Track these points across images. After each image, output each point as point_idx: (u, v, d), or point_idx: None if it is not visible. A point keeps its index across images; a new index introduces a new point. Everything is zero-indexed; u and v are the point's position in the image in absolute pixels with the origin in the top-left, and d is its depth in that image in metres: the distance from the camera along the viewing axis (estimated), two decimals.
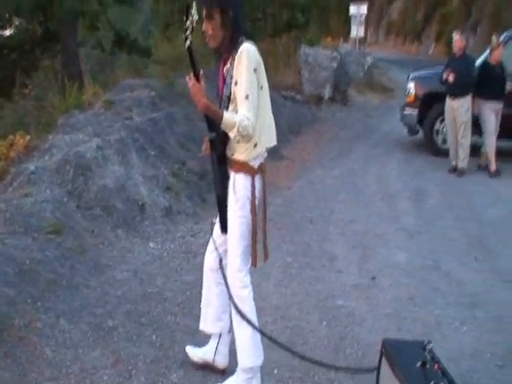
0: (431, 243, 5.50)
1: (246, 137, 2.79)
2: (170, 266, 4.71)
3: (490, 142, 8.16)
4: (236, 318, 3.01)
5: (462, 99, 7.97)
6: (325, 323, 3.96)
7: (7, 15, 10.72)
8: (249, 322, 2.97)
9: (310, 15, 19.97)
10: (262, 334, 3.10)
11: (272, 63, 14.06)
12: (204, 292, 3.24)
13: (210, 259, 3.18)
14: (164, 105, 7.75)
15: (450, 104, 8.12)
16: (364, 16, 22.39)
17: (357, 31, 22.00)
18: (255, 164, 2.93)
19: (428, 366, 2.41)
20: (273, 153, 8.48)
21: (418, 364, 2.42)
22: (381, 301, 4.31)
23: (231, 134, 2.78)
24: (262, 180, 3.02)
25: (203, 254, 3.27)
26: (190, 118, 7.89)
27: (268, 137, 2.97)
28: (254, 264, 3.03)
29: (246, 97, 2.76)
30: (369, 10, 23.17)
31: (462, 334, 3.87)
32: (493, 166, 8.17)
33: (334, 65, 13.97)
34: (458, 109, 8.02)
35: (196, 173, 6.71)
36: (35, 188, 5.04)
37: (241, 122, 2.72)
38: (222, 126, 2.78)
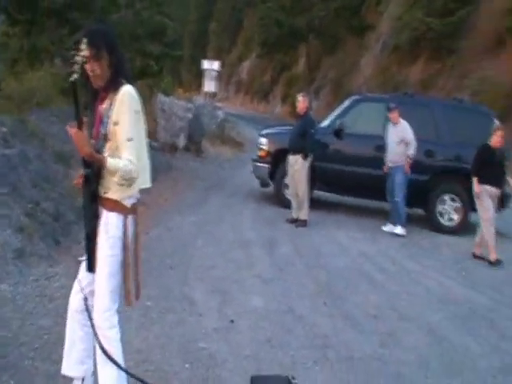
0: (284, 289, 5.78)
1: (129, 180, 2.83)
2: (24, 309, 4.48)
3: (487, 230, 7.70)
4: (101, 359, 2.95)
5: (297, 155, 8.59)
6: (187, 366, 4.00)
7: None
8: (115, 363, 2.93)
9: (163, 64, 20.34)
10: (129, 374, 3.07)
11: None
12: (68, 335, 3.14)
13: (75, 301, 3.10)
14: (16, 142, 7.42)
15: (289, 159, 8.73)
16: (216, 72, 23.27)
17: (209, 86, 22.76)
18: (128, 203, 2.96)
19: None
20: None
21: None
22: (240, 343, 4.45)
23: (115, 179, 2.81)
24: (135, 220, 3.05)
25: (59, 297, 3.22)
26: (44, 158, 7.64)
27: (144, 178, 3.02)
28: (128, 303, 3.03)
29: (129, 139, 2.82)
30: (220, 66, 24.08)
31: (315, 373, 4.10)
32: (493, 255, 7.66)
33: (189, 115, 14.32)
34: (294, 164, 8.66)
35: (50, 214, 6.48)
36: None
37: (124, 168, 2.77)
38: (107, 172, 2.80)
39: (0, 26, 14.37)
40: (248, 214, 9.21)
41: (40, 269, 5.37)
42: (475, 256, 7.91)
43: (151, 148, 10.80)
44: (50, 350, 3.83)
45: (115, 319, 3.01)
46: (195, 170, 12.79)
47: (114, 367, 2.95)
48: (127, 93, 2.86)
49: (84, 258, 3.05)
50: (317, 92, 32.32)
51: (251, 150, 12.95)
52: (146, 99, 14.93)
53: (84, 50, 2.74)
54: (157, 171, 10.87)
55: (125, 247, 2.96)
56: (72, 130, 2.76)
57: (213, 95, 24.76)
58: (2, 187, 6.11)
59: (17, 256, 5.36)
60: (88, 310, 3.01)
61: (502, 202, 8.42)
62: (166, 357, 4.09)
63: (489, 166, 7.66)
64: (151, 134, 13.19)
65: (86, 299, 3.03)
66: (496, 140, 7.73)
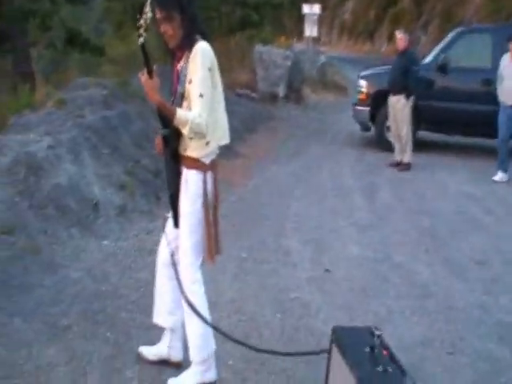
0: (383, 236, 5.62)
1: (198, 134, 2.83)
2: (123, 263, 4.69)
3: None
4: (187, 312, 3.03)
5: (398, 95, 8.20)
6: (279, 315, 4.01)
7: None
8: (200, 316, 2.99)
9: (263, 14, 20.13)
10: (215, 328, 3.11)
11: (226, 62, 14.09)
12: (157, 286, 3.26)
13: (162, 254, 3.20)
14: (117, 103, 7.69)
15: (390, 100, 8.37)
16: (317, 16, 22.63)
17: (310, 31, 22.21)
18: (207, 160, 2.97)
19: (376, 350, 2.48)
20: (228, 151, 8.56)
21: (367, 349, 2.48)
22: (334, 293, 4.39)
23: (184, 131, 2.81)
24: (214, 176, 3.06)
25: (157, 251, 3.28)
26: (145, 117, 7.85)
27: (221, 135, 3.01)
28: (209, 257, 3.06)
29: (200, 95, 2.80)
30: (321, 10, 23.39)
31: (412, 323, 3.97)
32: None
33: (288, 63, 14.09)
34: (395, 105, 8.28)
35: (150, 171, 6.69)
36: None
37: (193, 120, 2.76)
38: (175, 123, 2.80)
39: None
40: (348, 160, 9.00)
41: (141, 224, 5.58)
42: None
43: (251, 99, 10.85)
44: (146, 301, 3.95)
45: (199, 274, 3.07)
46: (295, 118, 12.65)
47: (200, 320, 3.01)
48: (200, 49, 2.83)
49: (169, 214, 3.12)
50: (425, 26, 30.68)
51: (354, 94, 12.57)
52: (245, 51, 14.92)
53: (148, 13, 2.71)
54: (256, 122, 10.92)
55: (204, 203, 2.98)
56: (142, 77, 2.79)
57: (315, 40, 24.25)
58: (103, 148, 6.38)
59: (118, 213, 5.61)
60: (174, 265, 3.08)
61: None
62: (259, 307, 4.12)
63: None
64: (250, 86, 13.20)
65: (172, 254, 3.10)
66: None
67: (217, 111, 2.94)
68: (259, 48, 14.10)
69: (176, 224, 3.07)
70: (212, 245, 3.05)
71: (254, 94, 12.79)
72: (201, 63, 2.81)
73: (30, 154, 5.50)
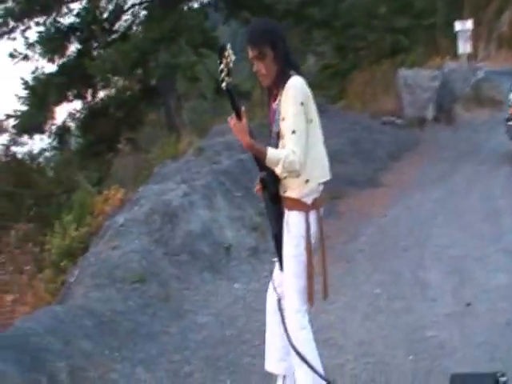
0: None
1: (292, 172, 2.69)
2: (252, 306, 4.65)
3: None
4: (296, 359, 2.88)
5: None
6: (411, 357, 3.69)
7: (106, 75, 11.35)
8: (308, 364, 2.83)
9: (414, 37, 19.56)
10: (322, 378, 2.91)
11: (370, 91, 13.87)
12: (267, 332, 3.15)
13: (270, 300, 3.10)
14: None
15: None
16: (470, 32, 21.70)
17: (464, 47, 21.31)
18: (308, 200, 2.83)
19: None
20: (369, 181, 8.31)
21: None
22: (475, 329, 3.96)
23: (277, 170, 2.70)
24: (318, 216, 2.89)
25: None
26: None
27: (321, 171, 2.86)
28: (310, 302, 2.90)
29: (293, 132, 2.69)
30: (477, 24, 22.40)
31: None
32: None
33: (436, 84, 13.54)
34: None
35: None
36: (124, 240, 5.23)
37: (286, 158, 2.63)
38: (267, 163, 2.70)
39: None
40: (501, 181, 8.24)
41: (273, 265, 5.52)
42: None
43: (397, 126, 10.47)
44: None
45: (305, 320, 2.91)
46: (445, 140, 11.95)
47: (309, 369, 2.85)
48: (291, 86, 2.74)
49: (275, 258, 3.02)
50: None
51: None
52: (390, 78, 14.54)
53: (229, 57, 2.66)
54: (401, 149, 10.54)
55: (307, 246, 2.83)
56: (231, 121, 2.74)
57: (470, 56, 23.15)
58: (236, 191, 6.50)
59: (250, 254, 5.64)
60: (281, 311, 2.98)
61: None
62: (389, 348, 3.84)
63: None
64: (396, 112, 12.82)
65: (279, 300, 3.00)
66: None
67: (315, 147, 2.80)
68: (403, 72, 13.70)
69: (282, 267, 2.97)
70: (313, 289, 2.88)
71: (399, 121, 12.38)
72: (293, 99, 2.71)
73: (165, 203, 5.75)
